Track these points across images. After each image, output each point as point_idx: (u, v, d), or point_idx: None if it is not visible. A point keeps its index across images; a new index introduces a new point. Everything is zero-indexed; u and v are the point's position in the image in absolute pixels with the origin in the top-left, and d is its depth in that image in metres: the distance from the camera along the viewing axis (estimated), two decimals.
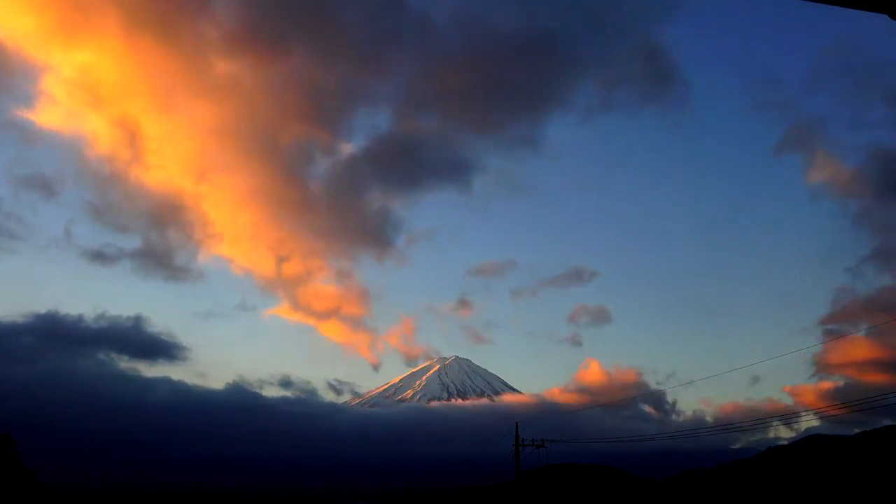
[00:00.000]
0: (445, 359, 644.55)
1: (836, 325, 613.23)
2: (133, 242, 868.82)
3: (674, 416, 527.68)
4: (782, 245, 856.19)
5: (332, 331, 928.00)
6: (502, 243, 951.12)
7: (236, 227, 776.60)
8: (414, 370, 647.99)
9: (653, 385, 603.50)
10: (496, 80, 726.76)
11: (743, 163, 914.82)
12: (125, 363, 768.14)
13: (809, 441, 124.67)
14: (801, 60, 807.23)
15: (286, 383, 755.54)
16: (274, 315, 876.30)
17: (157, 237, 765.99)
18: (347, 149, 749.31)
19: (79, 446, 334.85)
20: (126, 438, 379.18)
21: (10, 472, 78.81)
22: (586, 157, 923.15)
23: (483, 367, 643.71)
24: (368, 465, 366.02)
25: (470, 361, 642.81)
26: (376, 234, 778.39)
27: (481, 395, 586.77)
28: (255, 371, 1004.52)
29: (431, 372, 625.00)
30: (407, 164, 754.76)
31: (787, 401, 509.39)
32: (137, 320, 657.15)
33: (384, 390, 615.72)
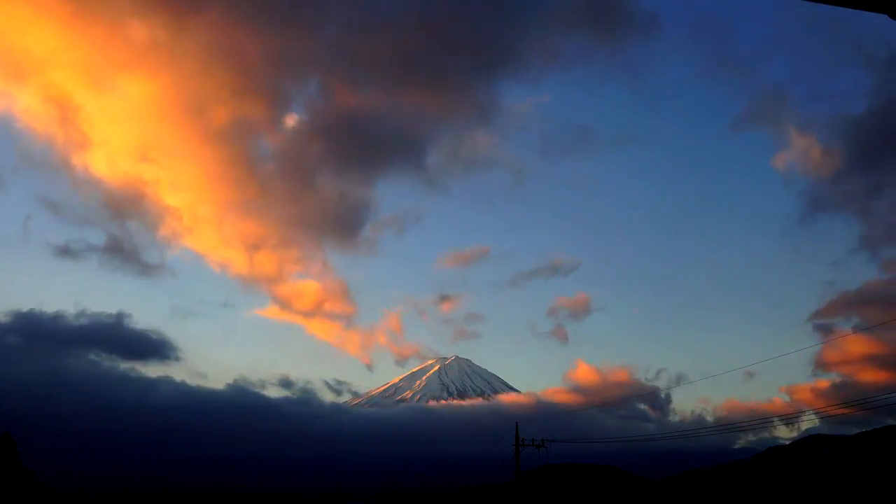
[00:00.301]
0: (445, 359, 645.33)
1: (825, 320, 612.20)
2: (97, 236, 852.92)
3: (671, 416, 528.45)
4: (761, 234, 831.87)
5: (320, 329, 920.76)
6: (470, 229, 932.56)
7: (200, 218, 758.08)
8: (414, 370, 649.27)
9: (643, 381, 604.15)
10: (439, 39, 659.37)
11: (708, 137, 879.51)
12: (117, 363, 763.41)
13: (809, 441, 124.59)
14: (765, 22, 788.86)
15: (286, 383, 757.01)
16: (259, 314, 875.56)
17: (121, 231, 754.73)
18: (291, 123, 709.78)
19: (79, 446, 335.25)
20: (126, 438, 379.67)
21: (10, 472, 78.78)
22: (546, 127, 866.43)
23: (483, 366, 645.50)
24: (368, 465, 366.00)
25: (470, 361, 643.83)
26: (342, 223, 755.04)
27: (481, 395, 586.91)
28: (246, 371, 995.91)
29: (431, 372, 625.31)
30: (354, 140, 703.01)
31: (785, 399, 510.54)
32: (119, 317, 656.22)
33: (384, 390, 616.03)
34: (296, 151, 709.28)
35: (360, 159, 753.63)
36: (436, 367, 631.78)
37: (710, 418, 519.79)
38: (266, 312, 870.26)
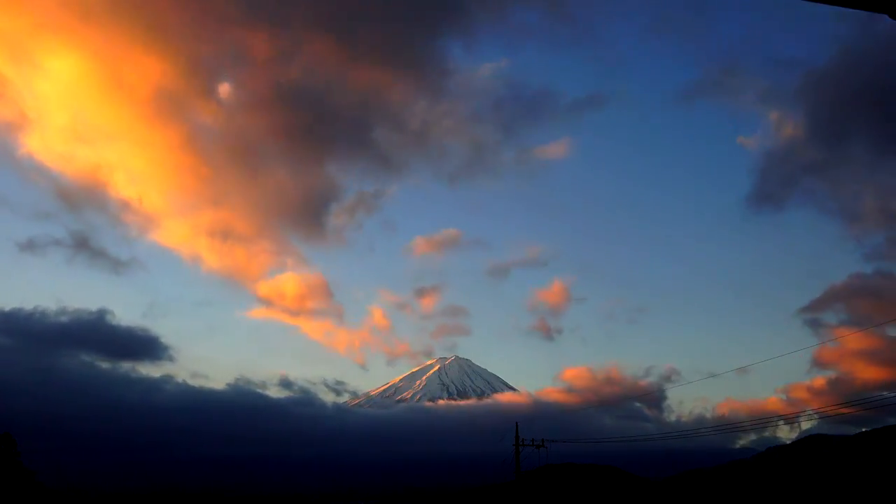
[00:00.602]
0: (445, 359, 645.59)
1: (815, 315, 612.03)
2: (58, 230, 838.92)
3: (666, 413, 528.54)
4: (730, 221, 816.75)
5: (311, 329, 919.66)
6: (437, 211, 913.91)
7: (159, 209, 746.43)
8: (414, 370, 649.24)
9: (634, 378, 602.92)
10: None
11: (664, 106, 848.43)
12: (113, 363, 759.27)
13: (809, 441, 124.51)
14: None
15: (285, 384, 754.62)
16: (247, 314, 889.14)
17: (82, 224, 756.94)
18: (225, 95, 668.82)
19: (79, 446, 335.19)
20: (126, 438, 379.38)
21: (10, 472, 78.76)
22: (500, 96, 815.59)
23: (483, 366, 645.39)
24: (368, 465, 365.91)
25: (470, 361, 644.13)
26: (305, 211, 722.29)
27: (481, 395, 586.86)
28: (241, 370, 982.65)
29: (431, 372, 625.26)
30: (296, 115, 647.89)
31: (783, 398, 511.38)
32: (100, 314, 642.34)
33: (384, 390, 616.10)
34: (238, 132, 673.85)
35: (307, 136, 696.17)
36: (436, 367, 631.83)
37: (708, 417, 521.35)
38: (253, 313, 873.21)
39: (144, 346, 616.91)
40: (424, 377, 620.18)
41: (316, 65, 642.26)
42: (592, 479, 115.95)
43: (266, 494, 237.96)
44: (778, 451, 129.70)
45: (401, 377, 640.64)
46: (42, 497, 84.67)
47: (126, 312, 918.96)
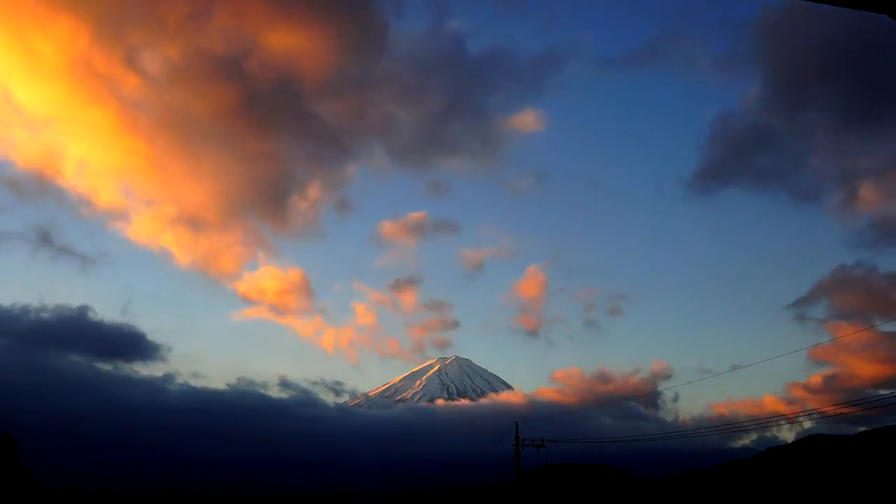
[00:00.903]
0: (445, 359, 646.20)
1: (805, 310, 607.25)
2: (15, 224, 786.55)
3: (664, 412, 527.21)
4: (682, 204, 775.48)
5: (299, 327, 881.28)
6: (397, 194, 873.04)
7: (119, 200, 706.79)
8: (414, 370, 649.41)
9: (623, 375, 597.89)
10: None
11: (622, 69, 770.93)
12: (111, 363, 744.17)
13: (809, 441, 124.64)
14: None
15: (284, 384, 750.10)
16: (227, 311, 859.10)
17: (42, 217, 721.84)
18: (149, 67, 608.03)
19: (79, 446, 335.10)
20: (124, 438, 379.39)
21: (10, 472, 78.79)
22: (446, 65, 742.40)
23: (483, 366, 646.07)
24: (368, 465, 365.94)
25: (470, 361, 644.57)
26: (268, 200, 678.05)
27: (481, 394, 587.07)
28: (235, 371, 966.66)
29: (431, 372, 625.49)
30: (224, 85, 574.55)
31: (782, 397, 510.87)
32: (82, 311, 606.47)
33: (384, 390, 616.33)
34: (172, 108, 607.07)
35: (244, 112, 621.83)
36: (436, 367, 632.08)
37: (706, 416, 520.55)
38: (239, 312, 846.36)
39: (134, 344, 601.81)
40: (424, 377, 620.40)
41: (234, 27, 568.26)
42: (593, 479, 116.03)
43: (266, 494, 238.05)
44: (778, 451, 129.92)
45: (400, 377, 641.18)
46: (42, 497, 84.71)
47: (105, 310, 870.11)
